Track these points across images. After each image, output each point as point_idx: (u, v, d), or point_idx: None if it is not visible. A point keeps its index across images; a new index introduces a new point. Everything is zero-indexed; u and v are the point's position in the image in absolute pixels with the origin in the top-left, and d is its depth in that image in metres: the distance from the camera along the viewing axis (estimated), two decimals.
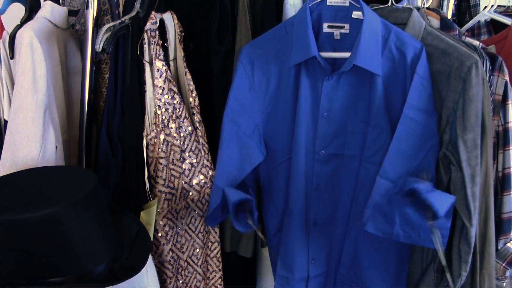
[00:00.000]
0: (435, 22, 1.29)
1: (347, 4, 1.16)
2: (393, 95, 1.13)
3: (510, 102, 1.26)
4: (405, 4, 1.27)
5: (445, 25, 1.28)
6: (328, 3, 1.17)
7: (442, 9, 1.46)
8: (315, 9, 1.17)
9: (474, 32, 1.63)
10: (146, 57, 1.22)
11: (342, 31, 1.17)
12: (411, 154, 1.12)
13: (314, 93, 1.17)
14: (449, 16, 1.45)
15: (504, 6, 1.61)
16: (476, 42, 1.23)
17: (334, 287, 1.32)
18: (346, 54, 1.12)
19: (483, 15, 1.52)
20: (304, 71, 1.16)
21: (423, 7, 1.29)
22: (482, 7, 1.64)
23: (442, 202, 1.00)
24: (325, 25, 1.18)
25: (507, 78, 1.25)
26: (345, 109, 1.17)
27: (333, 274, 1.32)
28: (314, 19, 1.17)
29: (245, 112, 1.21)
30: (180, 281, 1.33)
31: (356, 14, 1.14)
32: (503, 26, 1.49)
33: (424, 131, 1.12)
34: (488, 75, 1.19)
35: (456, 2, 1.61)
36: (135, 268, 0.99)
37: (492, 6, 1.49)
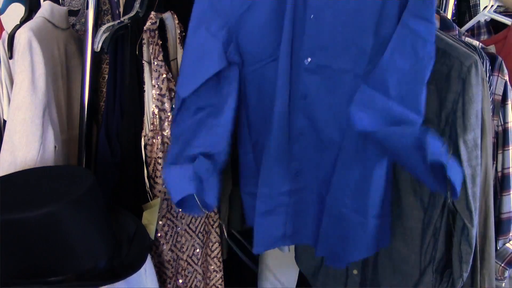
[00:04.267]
0: (435, 22, 1.29)
1: None
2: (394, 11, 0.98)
3: (509, 102, 1.26)
4: None
5: (444, 25, 1.28)
6: None
7: (442, 9, 1.46)
8: None
9: (474, 32, 1.62)
10: (146, 57, 1.22)
11: None
12: (407, 69, 0.98)
13: None
14: (449, 16, 1.45)
15: (504, 6, 1.61)
16: (476, 42, 1.23)
17: (322, 205, 1.17)
18: None
19: (483, 15, 1.51)
20: None
21: None
22: (482, 7, 1.64)
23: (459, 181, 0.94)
24: None
25: (506, 78, 1.25)
26: (340, 14, 1.01)
27: (315, 192, 1.17)
28: None
29: (214, 10, 1.08)
30: (180, 281, 1.33)
31: None
32: (503, 26, 1.49)
33: (424, 44, 0.97)
34: (487, 75, 1.19)
35: (456, 2, 1.61)
36: (134, 265, 0.99)
37: (492, 6, 1.49)
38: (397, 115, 0.98)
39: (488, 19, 1.53)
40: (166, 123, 1.22)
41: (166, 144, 1.23)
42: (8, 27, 1.23)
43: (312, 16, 1.03)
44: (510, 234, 1.26)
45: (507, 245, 1.27)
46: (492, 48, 1.43)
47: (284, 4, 1.04)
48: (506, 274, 1.27)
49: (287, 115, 1.11)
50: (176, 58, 1.30)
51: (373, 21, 0.99)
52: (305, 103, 1.10)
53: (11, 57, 1.16)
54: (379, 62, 0.98)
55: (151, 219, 1.20)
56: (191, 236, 1.33)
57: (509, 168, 1.24)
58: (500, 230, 1.26)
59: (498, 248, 1.27)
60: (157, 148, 1.21)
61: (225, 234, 1.41)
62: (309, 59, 1.06)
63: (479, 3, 1.64)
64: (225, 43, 1.09)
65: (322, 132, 1.12)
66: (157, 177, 1.22)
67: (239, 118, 1.21)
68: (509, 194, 1.25)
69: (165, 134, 1.22)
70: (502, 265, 1.27)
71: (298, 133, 1.13)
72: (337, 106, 1.07)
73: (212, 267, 1.39)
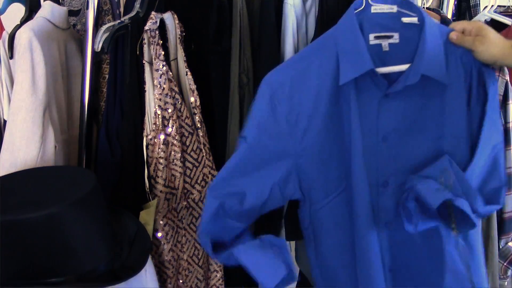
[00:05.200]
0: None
1: (395, 10, 1.00)
2: (460, 100, 0.99)
3: (510, 102, 1.27)
4: None
5: (445, 25, 1.29)
6: (372, 11, 1.00)
7: (442, 9, 1.46)
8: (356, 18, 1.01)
9: None
10: (146, 57, 1.22)
11: (391, 41, 1.01)
12: (484, 159, 0.99)
13: (369, 115, 1.00)
14: (449, 16, 1.45)
15: (504, 6, 1.62)
16: None
17: None
18: (403, 67, 0.98)
19: (483, 15, 1.52)
20: (353, 90, 0.98)
21: (423, 7, 1.29)
22: (482, 7, 1.64)
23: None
24: (371, 36, 1.01)
25: (507, 78, 1.25)
26: (406, 129, 1.00)
27: None
28: None
29: (272, 145, 1.02)
30: (181, 281, 1.32)
31: (408, 19, 1.00)
32: (503, 26, 1.49)
33: (498, 132, 1.01)
34: None
35: (456, 2, 1.61)
36: (135, 267, 0.99)
37: (492, 6, 1.49)
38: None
39: (488, 19, 1.54)
40: (170, 122, 1.22)
41: (168, 144, 1.22)
42: (8, 27, 1.23)
43: (385, 137, 1.00)
44: None
45: (510, 244, 1.27)
46: None
47: (344, 130, 1.00)
48: (509, 273, 1.28)
49: (379, 251, 1.02)
50: (177, 58, 1.30)
51: (437, 126, 1.00)
52: (389, 233, 1.03)
53: (11, 57, 1.16)
54: (474, 157, 0.96)
55: (148, 219, 1.20)
56: (192, 236, 1.33)
57: (510, 168, 1.25)
58: (502, 230, 1.26)
59: (501, 247, 1.27)
60: (158, 148, 1.21)
61: None
62: (388, 182, 1.01)
63: (479, 3, 1.65)
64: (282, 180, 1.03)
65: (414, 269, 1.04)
66: (158, 177, 1.22)
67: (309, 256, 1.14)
68: (511, 193, 1.25)
69: (167, 133, 1.22)
70: (505, 264, 1.27)
71: (388, 270, 1.04)
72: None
73: (213, 267, 1.39)
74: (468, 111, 0.99)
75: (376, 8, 1.00)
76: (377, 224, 1.02)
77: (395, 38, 1.01)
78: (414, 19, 1.00)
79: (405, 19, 1.00)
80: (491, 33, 0.97)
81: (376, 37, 1.01)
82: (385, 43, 1.01)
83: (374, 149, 1.00)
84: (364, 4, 1.00)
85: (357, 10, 1.00)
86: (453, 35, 0.99)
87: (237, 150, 1.04)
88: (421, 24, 0.98)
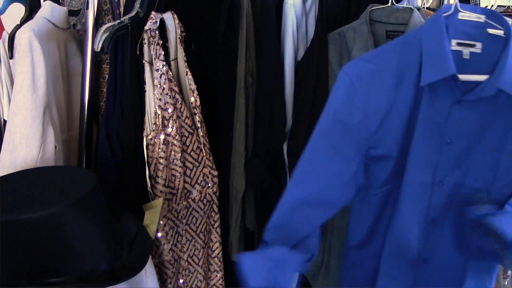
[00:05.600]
0: None
1: (482, 20, 0.99)
2: None
3: None
4: (405, 4, 1.27)
5: None
6: (459, 17, 1.00)
7: None
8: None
9: None
10: (146, 57, 1.22)
11: (472, 50, 1.01)
12: None
13: (438, 117, 1.02)
14: None
15: (504, 6, 1.61)
16: None
17: None
18: (481, 77, 0.97)
19: None
20: (428, 92, 1.00)
21: (424, 7, 1.29)
22: None
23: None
24: (453, 41, 1.01)
25: None
26: (471, 136, 1.02)
27: None
28: None
29: (348, 134, 1.05)
30: (181, 281, 1.33)
31: (494, 31, 0.99)
32: None
33: None
34: None
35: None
36: (135, 267, 0.99)
37: (492, 6, 1.49)
38: None
39: None
40: (170, 122, 1.22)
41: (168, 144, 1.22)
42: (8, 27, 1.23)
43: (449, 140, 1.02)
44: None
45: None
46: None
47: (409, 128, 1.03)
48: (509, 272, 1.28)
49: (416, 243, 1.09)
50: (177, 58, 1.30)
51: (500, 139, 1.02)
52: (432, 228, 1.07)
53: (11, 57, 1.16)
54: None
55: (153, 219, 1.20)
56: (192, 236, 1.33)
57: None
58: None
59: None
60: (158, 148, 1.21)
61: (235, 235, 1.42)
62: (443, 182, 1.05)
63: (479, 3, 1.64)
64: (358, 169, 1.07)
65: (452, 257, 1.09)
66: (158, 177, 1.22)
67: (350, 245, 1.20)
68: None
69: (167, 133, 1.22)
70: None
71: (422, 260, 1.10)
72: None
73: (213, 267, 1.39)
74: None
75: (464, 15, 1.00)
76: (425, 219, 1.06)
77: (478, 47, 1.01)
78: (500, 32, 0.98)
79: (491, 31, 0.99)
80: None
81: (459, 44, 1.01)
82: (466, 51, 1.01)
83: (436, 151, 1.03)
84: (452, 9, 1.00)
85: (445, 14, 1.00)
86: None
87: (312, 139, 1.06)
88: (507, 38, 0.97)
